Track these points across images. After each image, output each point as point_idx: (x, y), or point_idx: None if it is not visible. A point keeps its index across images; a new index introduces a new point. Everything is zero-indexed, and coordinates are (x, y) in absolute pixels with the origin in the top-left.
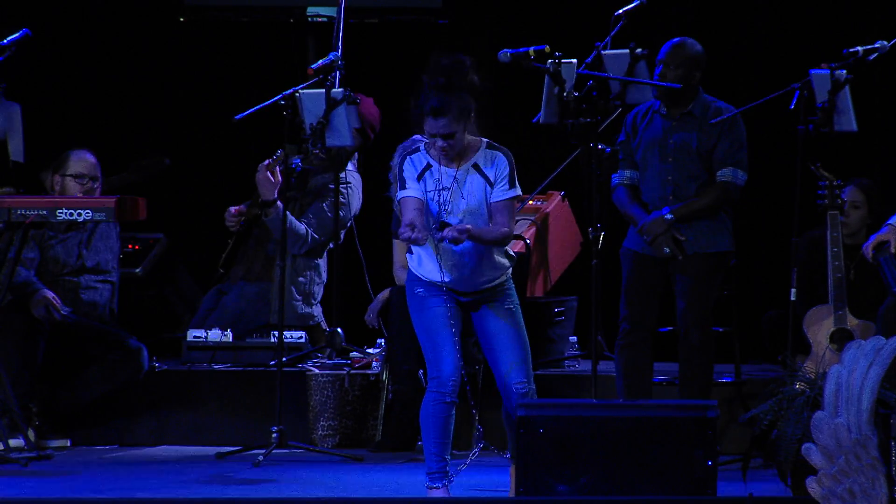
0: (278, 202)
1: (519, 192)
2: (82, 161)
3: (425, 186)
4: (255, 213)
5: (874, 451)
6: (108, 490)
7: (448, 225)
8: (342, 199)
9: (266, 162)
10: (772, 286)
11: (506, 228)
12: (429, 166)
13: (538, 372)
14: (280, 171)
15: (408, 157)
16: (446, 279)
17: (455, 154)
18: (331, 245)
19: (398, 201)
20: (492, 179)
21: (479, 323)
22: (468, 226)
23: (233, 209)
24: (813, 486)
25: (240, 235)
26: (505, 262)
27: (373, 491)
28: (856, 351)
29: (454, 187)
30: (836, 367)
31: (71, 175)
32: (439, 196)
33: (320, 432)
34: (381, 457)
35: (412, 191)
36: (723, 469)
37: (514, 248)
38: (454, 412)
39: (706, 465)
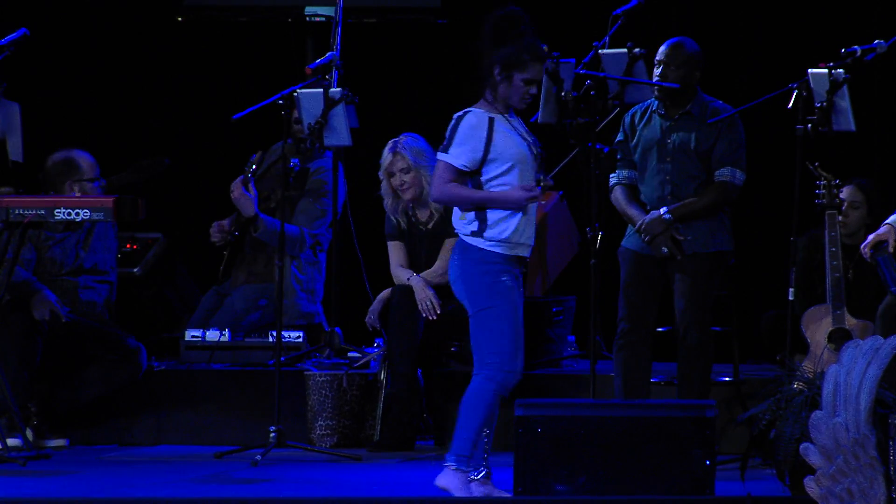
0: (260, 214)
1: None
2: (89, 162)
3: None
4: (243, 221)
5: (872, 450)
6: (107, 490)
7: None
8: (327, 188)
9: (239, 178)
10: (770, 286)
11: None
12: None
13: (536, 371)
14: (253, 184)
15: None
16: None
17: None
18: (330, 234)
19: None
20: None
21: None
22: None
23: (216, 225)
24: (811, 486)
25: (234, 245)
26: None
27: (371, 490)
28: (854, 350)
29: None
30: (834, 367)
31: (88, 179)
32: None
33: (318, 432)
34: (380, 456)
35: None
36: (721, 469)
37: None
38: None
39: (704, 465)
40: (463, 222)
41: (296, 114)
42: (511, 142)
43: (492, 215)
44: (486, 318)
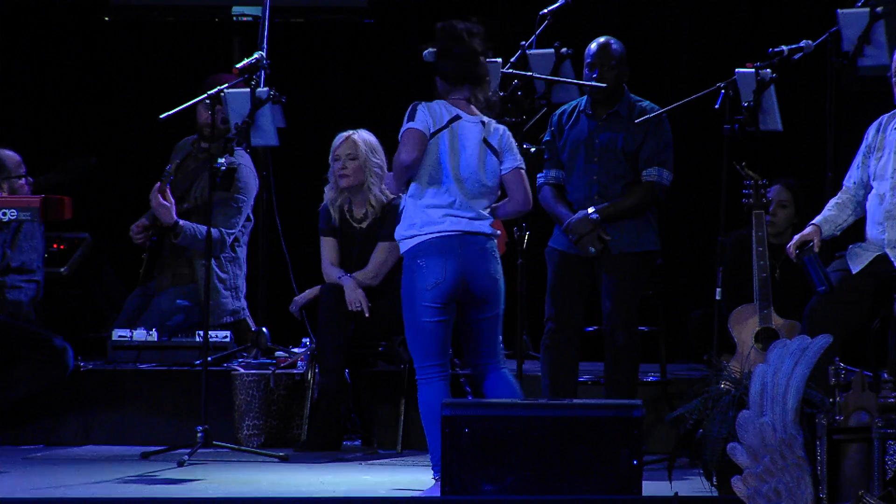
0: (179, 221)
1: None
2: (15, 160)
3: None
4: (161, 226)
5: (799, 450)
6: (33, 490)
7: None
8: (240, 184)
9: (156, 186)
10: (697, 285)
11: None
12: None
13: (465, 371)
14: (170, 191)
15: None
16: None
17: None
18: (249, 228)
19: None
20: None
21: None
22: None
23: (135, 227)
24: (738, 486)
25: (153, 249)
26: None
27: (299, 490)
28: (781, 350)
29: None
30: (761, 367)
31: (16, 177)
32: None
33: (246, 432)
34: (307, 456)
35: None
36: (648, 468)
37: None
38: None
39: (632, 465)
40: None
41: (222, 113)
42: None
43: None
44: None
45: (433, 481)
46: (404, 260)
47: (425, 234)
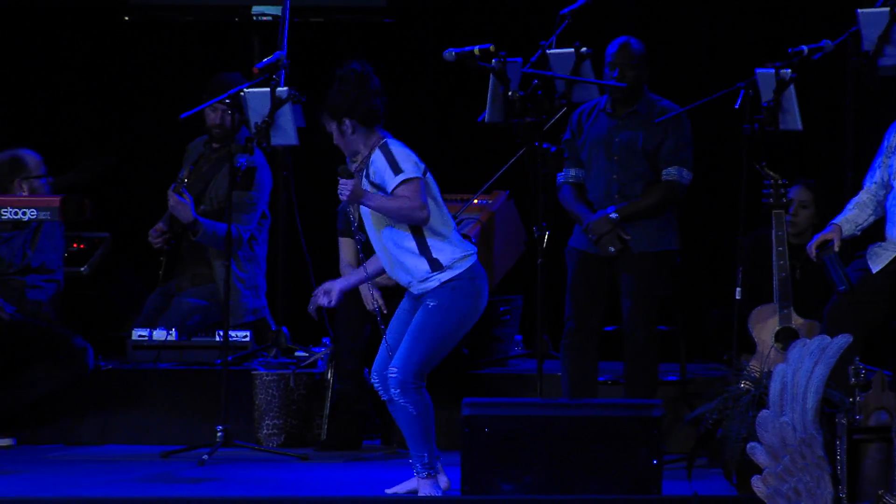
0: (199, 219)
1: (408, 175)
2: (35, 160)
3: None
4: (179, 230)
5: (819, 450)
6: (53, 489)
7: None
8: (254, 181)
9: (171, 186)
10: (717, 285)
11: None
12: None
13: (483, 371)
14: (186, 191)
15: None
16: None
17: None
18: (266, 225)
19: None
20: (378, 184)
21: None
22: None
23: (154, 231)
24: (758, 485)
25: (170, 252)
26: (425, 266)
27: (318, 490)
28: (801, 350)
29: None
30: (781, 366)
31: (36, 177)
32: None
33: (265, 431)
34: (326, 456)
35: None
36: (668, 468)
37: None
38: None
39: (651, 464)
40: None
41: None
42: None
43: None
44: None
45: (433, 480)
46: (459, 281)
47: (473, 254)
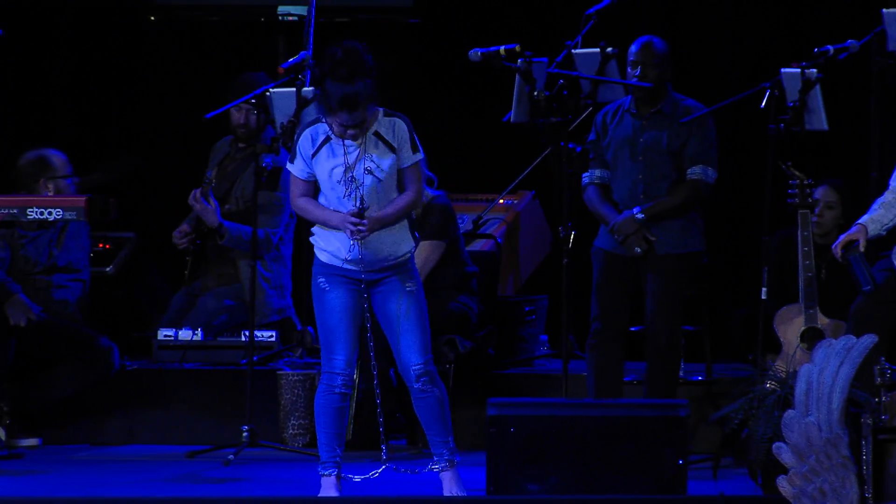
0: (224, 223)
1: (423, 155)
2: (61, 159)
3: (325, 161)
4: (204, 230)
5: (845, 450)
6: (79, 489)
7: (366, 210)
8: (280, 182)
9: (197, 190)
10: (743, 285)
11: (411, 195)
12: (328, 139)
13: (509, 371)
14: (212, 194)
15: (307, 129)
16: (352, 256)
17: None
18: (292, 224)
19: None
20: (395, 146)
21: (380, 304)
22: (366, 221)
23: (178, 232)
24: (783, 485)
25: (196, 252)
26: (410, 241)
27: (344, 490)
28: (826, 350)
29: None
30: (806, 366)
31: (62, 176)
32: (344, 175)
33: (291, 431)
34: (351, 456)
35: (301, 171)
36: (693, 468)
37: (484, 246)
38: (347, 403)
39: (677, 464)
40: None
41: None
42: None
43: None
44: None
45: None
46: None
47: None
